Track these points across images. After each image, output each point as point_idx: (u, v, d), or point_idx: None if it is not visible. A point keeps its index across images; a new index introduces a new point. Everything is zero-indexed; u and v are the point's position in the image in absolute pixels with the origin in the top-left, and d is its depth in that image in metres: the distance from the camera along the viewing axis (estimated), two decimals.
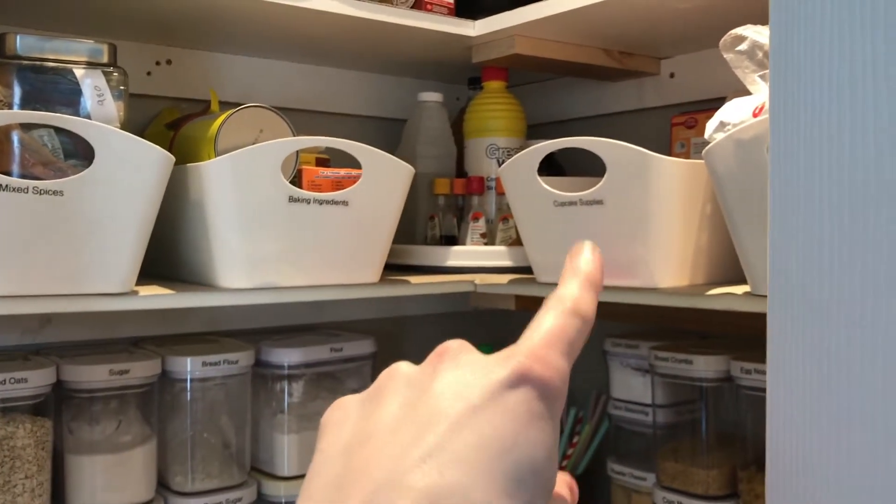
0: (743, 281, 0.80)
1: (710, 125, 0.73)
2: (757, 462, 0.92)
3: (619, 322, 1.11)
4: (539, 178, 0.86)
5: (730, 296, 0.74)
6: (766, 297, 0.42)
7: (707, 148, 0.71)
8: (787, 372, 0.40)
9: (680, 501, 0.96)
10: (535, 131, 1.15)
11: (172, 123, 0.94)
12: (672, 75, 1.13)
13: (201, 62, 1.10)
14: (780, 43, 0.40)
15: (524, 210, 0.89)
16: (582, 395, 1.21)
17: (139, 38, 1.03)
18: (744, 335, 1.02)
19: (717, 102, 1.06)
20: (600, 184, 0.81)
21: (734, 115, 0.71)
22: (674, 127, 1.05)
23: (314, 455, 0.32)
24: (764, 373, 0.87)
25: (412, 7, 1.01)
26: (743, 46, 0.70)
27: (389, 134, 1.22)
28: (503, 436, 0.29)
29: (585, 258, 0.36)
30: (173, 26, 0.99)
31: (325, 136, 0.87)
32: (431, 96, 1.14)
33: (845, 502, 0.38)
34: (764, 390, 0.88)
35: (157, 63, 1.06)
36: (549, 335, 0.32)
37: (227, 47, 1.10)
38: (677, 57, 1.12)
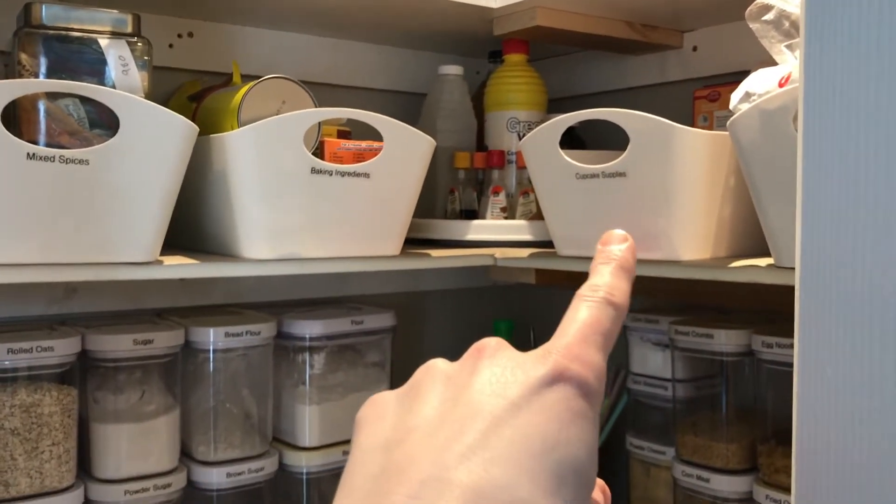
0: (766, 254, 0.80)
1: (735, 96, 0.72)
2: (777, 436, 0.92)
3: (638, 296, 1.11)
4: (561, 150, 0.86)
5: (753, 268, 0.74)
6: (789, 269, 0.42)
7: (732, 118, 0.70)
8: (816, 347, 0.40)
9: (699, 475, 0.96)
10: (555, 105, 1.14)
11: (194, 95, 0.95)
12: (695, 48, 1.12)
13: (223, 35, 1.10)
14: (813, 8, 0.40)
15: (545, 183, 0.88)
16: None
17: (161, 10, 1.04)
18: (764, 309, 1.02)
19: (740, 76, 1.05)
20: (623, 156, 0.80)
21: (760, 86, 0.70)
22: (696, 100, 1.05)
23: (352, 450, 0.32)
24: (786, 347, 0.87)
25: None
26: (769, 16, 0.69)
27: (410, 108, 1.22)
28: (545, 434, 0.29)
29: (617, 245, 0.36)
30: None
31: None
32: (452, 69, 1.13)
33: (874, 479, 0.38)
34: (786, 364, 0.88)
35: (179, 35, 1.06)
36: (583, 329, 0.32)
37: (249, 20, 1.10)
38: (701, 30, 1.11)
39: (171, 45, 1.06)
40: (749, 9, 0.71)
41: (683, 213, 0.78)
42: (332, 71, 1.19)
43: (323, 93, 0.93)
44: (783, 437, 0.90)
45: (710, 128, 1.03)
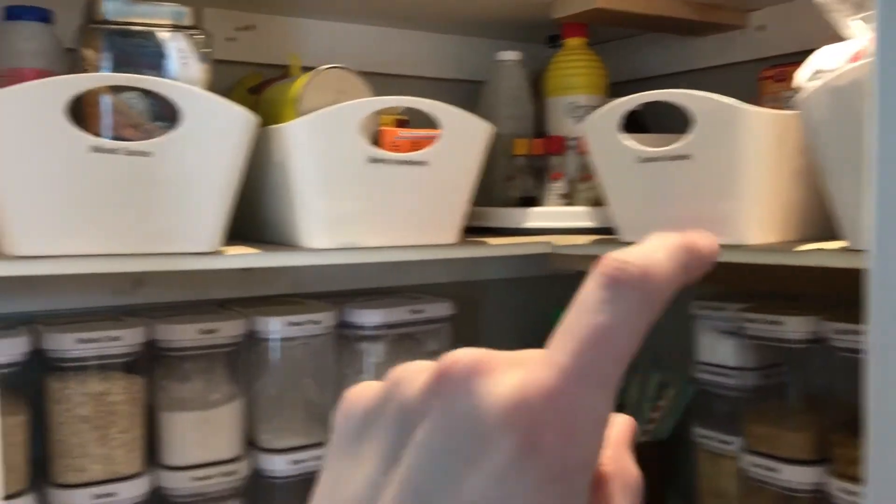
0: (834, 237, 0.77)
1: (803, 73, 0.70)
2: (850, 426, 0.88)
3: (703, 282, 1.09)
4: (621, 134, 0.84)
5: (823, 251, 0.71)
6: (860, 252, 0.40)
7: (800, 96, 0.68)
8: (887, 332, 0.38)
9: (769, 465, 0.94)
10: (616, 89, 1.12)
11: (254, 88, 0.95)
12: (760, 28, 1.08)
13: (282, 27, 1.10)
14: None
15: (607, 167, 0.87)
16: (666, 359, 1.18)
17: (222, 4, 1.05)
18: (833, 294, 0.98)
19: (808, 55, 1.02)
20: (687, 138, 0.78)
21: (829, 62, 0.67)
22: (762, 81, 1.01)
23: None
24: (858, 333, 0.84)
25: None
26: None
27: (467, 96, 1.21)
28: None
29: (703, 237, 0.24)
30: None
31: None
32: (510, 55, 1.12)
33: None
34: (858, 352, 0.85)
35: (240, 29, 1.07)
36: (585, 349, 0.21)
37: (308, 12, 1.10)
38: (766, 8, 1.08)
39: (231, 39, 1.07)
40: None
41: (750, 195, 0.76)
42: (388, 61, 1.19)
43: (379, 83, 0.93)
44: (857, 427, 0.87)
45: (777, 109, 1.00)
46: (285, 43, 1.11)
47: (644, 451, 1.12)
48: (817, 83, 0.67)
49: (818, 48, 1.01)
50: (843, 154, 0.67)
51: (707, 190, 0.78)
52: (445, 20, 1.17)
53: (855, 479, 0.86)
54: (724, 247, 0.78)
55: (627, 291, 0.22)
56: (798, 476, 0.92)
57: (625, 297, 0.22)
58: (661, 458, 1.15)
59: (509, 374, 0.22)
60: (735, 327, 0.99)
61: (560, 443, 0.20)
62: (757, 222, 0.77)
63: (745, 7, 1.08)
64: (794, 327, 0.91)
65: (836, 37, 0.97)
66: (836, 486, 0.87)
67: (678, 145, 0.79)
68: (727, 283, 1.10)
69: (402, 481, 0.22)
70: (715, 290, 1.10)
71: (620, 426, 0.27)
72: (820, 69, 0.68)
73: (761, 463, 0.95)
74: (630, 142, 0.83)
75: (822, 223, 0.80)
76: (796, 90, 0.69)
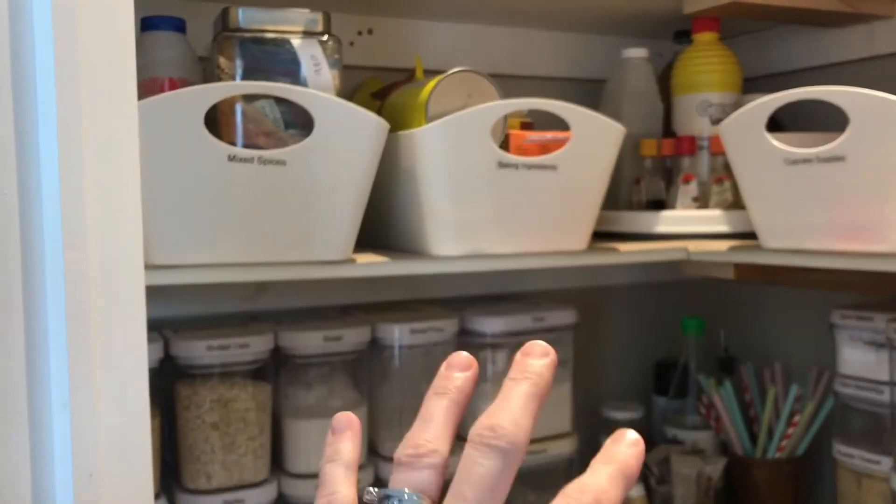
0: None
1: None
2: None
3: (845, 291, 1.02)
4: (767, 134, 0.79)
5: None
6: None
7: None
8: None
9: None
10: (749, 85, 1.07)
11: (378, 93, 0.94)
12: None
13: (402, 30, 1.09)
14: None
15: (749, 170, 0.82)
16: (803, 372, 1.12)
17: (341, 8, 1.04)
18: None
19: None
20: (842, 138, 0.73)
21: None
22: None
23: None
24: None
25: None
26: None
27: (588, 95, 1.17)
28: None
29: (626, 444, 0.34)
30: None
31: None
32: (636, 52, 1.08)
33: None
34: None
35: (360, 33, 1.06)
36: None
37: (427, 14, 1.09)
38: None
39: (351, 43, 1.06)
40: None
41: None
42: (506, 60, 1.16)
43: (500, 83, 0.91)
44: None
45: None
46: (404, 46, 1.09)
47: (780, 467, 1.07)
48: None
49: None
50: None
51: (864, 194, 0.73)
52: (565, 18, 1.14)
53: None
54: (884, 256, 0.73)
55: None
56: None
57: None
58: (797, 475, 1.08)
59: None
60: (884, 339, 0.93)
61: None
62: None
63: None
64: None
65: None
66: None
67: (832, 146, 0.74)
68: (872, 290, 1.03)
69: None
70: (858, 300, 1.03)
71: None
72: None
73: None
74: (777, 143, 0.78)
75: None
76: None
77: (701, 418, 1.13)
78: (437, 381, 0.38)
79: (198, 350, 0.85)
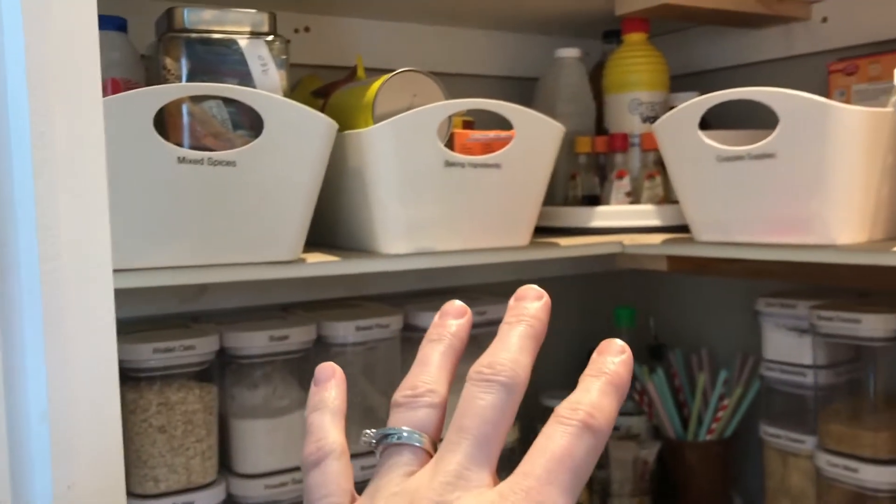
0: None
1: None
2: None
3: (770, 280, 1.07)
4: (700, 132, 0.83)
5: None
6: None
7: None
8: None
9: (846, 464, 0.93)
10: (676, 83, 1.11)
11: (319, 91, 0.94)
12: (824, 19, 1.07)
13: (339, 28, 1.09)
14: None
15: (683, 166, 0.86)
16: (730, 358, 1.17)
17: (278, 6, 1.03)
18: None
19: (875, 47, 1.01)
20: (772, 136, 0.77)
21: None
22: (831, 74, 1.00)
23: None
24: None
25: None
26: None
27: (521, 93, 1.20)
28: None
29: (613, 357, 0.33)
30: None
31: (460, 98, 0.85)
32: (570, 52, 1.11)
33: None
34: None
35: (296, 31, 1.06)
36: (551, 464, 0.30)
37: (364, 12, 1.09)
38: (829, 0, 1.06)
39: (287, 41, 1.05)
40: None
41: (840, 194, 0.74)
42: (445, 59, 1.17)
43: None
44: None
45: (847, 102, 0.98)
46: (342, 44, 1.10)
47: (710, 448, 1.12)
48: None
49: (883, 39, 1.00)
50: None
51: (793, 189, 0.77)
52: (500, 17, 1.16)
53: None
54: (812, 248, 0.77)
55: (577, 428, 0.31)
56: (878, 476, 0.91)
57: (575, 431, 0.30)
58: (726, 456, 1.14)
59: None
60: (807, 325, 0.98)
61: None
62: (846, 222, 0.75)
63: None
64: (874, 325, 0.89)
65: None
66: None
67: (763, 144, 0.78)
68: (792, 279, 1.08)
69: None
70: (781, 287, 1.08)
71: None
72: None
73: (838, 462, 0.94)
74: (710, 140, 0.82)
75: None
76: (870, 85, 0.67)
77: (634, 404, 1.17)
78: (432, 329, 0.37)
79: (143, 353, 0.84)
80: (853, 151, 0.73)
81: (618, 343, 0.34)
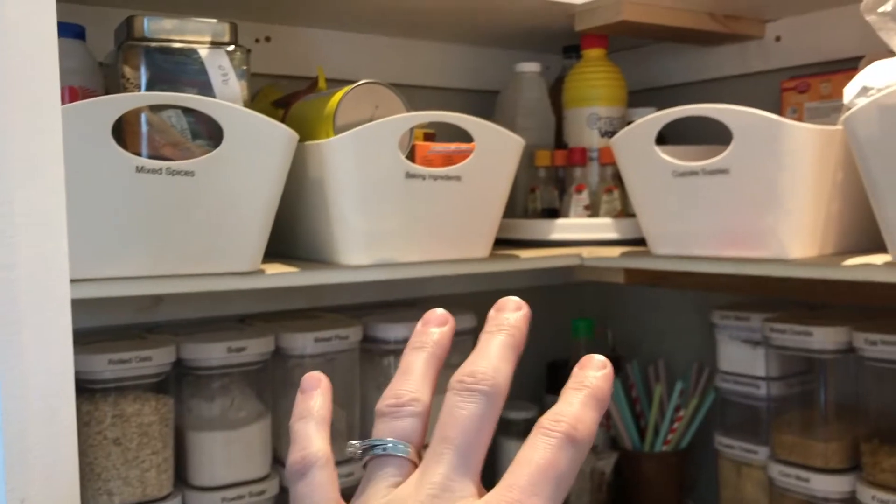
0: (873, 250, 0.78)
1: (850, 90, 0.70)
2: (880, 435, 0.89)
3: (724, 293, 1.09)
4: (656, 147, 0.84)
5: (869, 266, 0.72)
6: None
7: (848, 113, 0.68)
8: None
9: (797, 474, 0.95)
10: (634, 98, 1.12)
11: (280, 101, 0.94)
12: (778, 38, 1.09)
13: (300, 39, 1.09)
14: None
15: (640, 181, 0.87)
16: (686, 369, 1.19)
17: (239, 15, 1.03)
18: (859, 305, 0.99)
19: (827, 66, 1.04)
20: (726, 152, 0.79)
21: (878, 80, 0.68)
22: (784, 92, 1.02)
23: None
24: (891, 344, 0.85)
25: None
26: (887, 7, 0.67)
27: (481, 106, 1.21)
28: None
29: (594, 371, 0.34)
30: (272, 2, 0.98)
31: (420, 110, 0.86)
32: (530, 66, 1.12)
33: None
34: (890, 361, 0.85)
35: (257, 41, 1.06)
36: (535, 475, 0.30)
37: (326, 23, 1.09)
38: (783, 19, 1.09)
39: (248, 51, 1.05)
40: (864, 0, 0.69)
41: (791, 209, 0.76)
42: (405, 71, 1.18)
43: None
44: (888, 436, 0.88)
45: (799, 119, 1.01)
46: (302, 54, 1.09)
47: (667, 459, 1.13)
48: (865, 100, 0.67)
49: (834, 59, 1.02)
50: (891, 171, 0.67)
51: (746, 204, 0.78)
52: (461, 31, 1.16)
53: (887, 486, 0.87)
54: (765, 262, 0.79)
55: (560, 439, 0.31)
56: (829, 485, 0.92)
57: (557, 443, 0.31)
58: (682, 467, 1.15)
59: None
60: (760, 337, 1.00)
61: None
62: (798, 236, 0.77)
63: (762, 18, 1.09)
64: (825, 337, 0.92)
65: (853, 48, 0.98)
66: (868, 494, 0.88)
67: (716, 160, 0.79)
68: (745, 292, 1.10)
69: None
70: (735, 300, 1.10)
71: None
72: (868, 86, 0.68)
73: (790, 472, 0.95)
74: (666, 156, 0.83)
75: (861, 235, 0.80)
76: (847, 106, 0.69)
77: None
78: (414, 337, 0.37)
79: (98, 364, 0.83)
80: (805, 168, 0.75)
81: (599, 358, 0.35)
